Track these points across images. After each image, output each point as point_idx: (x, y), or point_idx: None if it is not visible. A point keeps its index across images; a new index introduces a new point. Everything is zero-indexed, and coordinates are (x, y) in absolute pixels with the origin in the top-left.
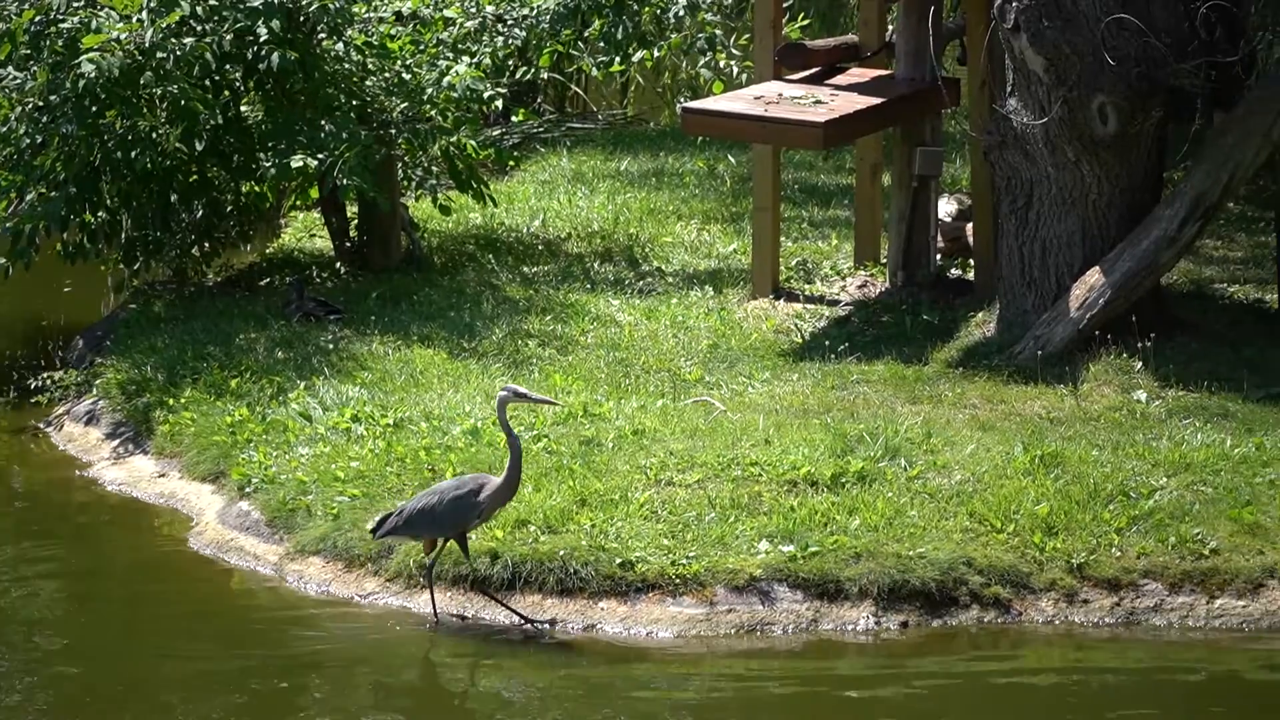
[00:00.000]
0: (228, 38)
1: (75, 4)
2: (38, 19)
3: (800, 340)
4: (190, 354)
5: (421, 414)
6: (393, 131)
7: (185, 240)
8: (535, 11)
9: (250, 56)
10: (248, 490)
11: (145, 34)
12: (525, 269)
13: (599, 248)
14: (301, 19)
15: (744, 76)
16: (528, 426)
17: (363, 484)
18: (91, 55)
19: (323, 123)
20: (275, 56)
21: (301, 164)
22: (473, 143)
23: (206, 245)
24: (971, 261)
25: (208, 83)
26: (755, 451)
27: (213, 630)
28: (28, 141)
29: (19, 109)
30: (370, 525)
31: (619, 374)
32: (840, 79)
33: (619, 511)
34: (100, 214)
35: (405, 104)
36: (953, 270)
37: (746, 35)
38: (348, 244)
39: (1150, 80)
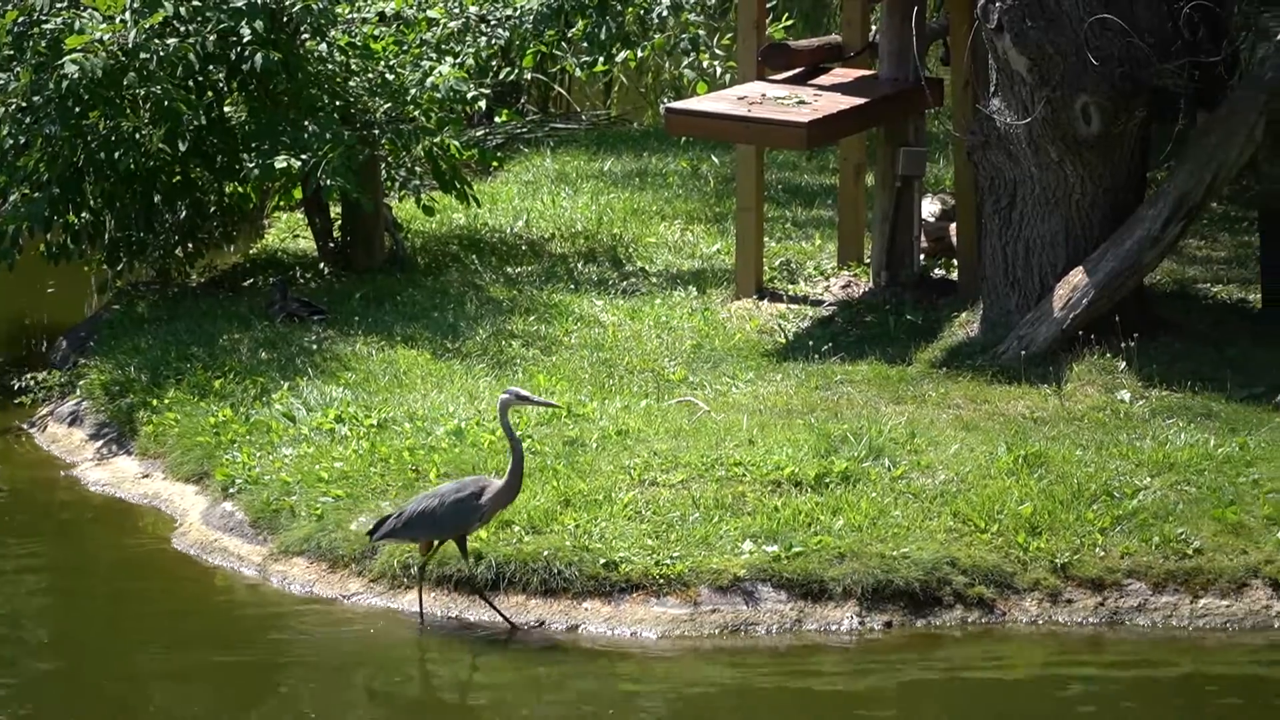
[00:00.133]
0: (211, 38)
1: (58, 5)
2: (21, 20)
3: (784, 340)
4: (174, 355)
5: (405, 414)
6: (376, 132)
7: (169, 241)
8: (518, 12)
9: (234, 57)
10: (231, 491)
11: (128, 35)
12: (509, 269)
13: (583, 248)
14: (285, 20)
15: (727, 77)
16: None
17: (346, 485)
18: (75, 56)
19: (306, 123)
20: (259, 57)
21: (285, 164)
22: (456, 143)
23: (190, 246)
24: (955, 261)
25: (191, 83)
26: (739, 452)
27: (196, 630)
28: (11, 142)
29: (2, 110)
30: (369, 527)
31: (603, 374)
32: (824, 79)
33: (603, 512)
34: (83, 214)
35: (389, 104)
36: (936, 270)
37: (730, 35)
38: (331, 244)
39: (1133, 80)
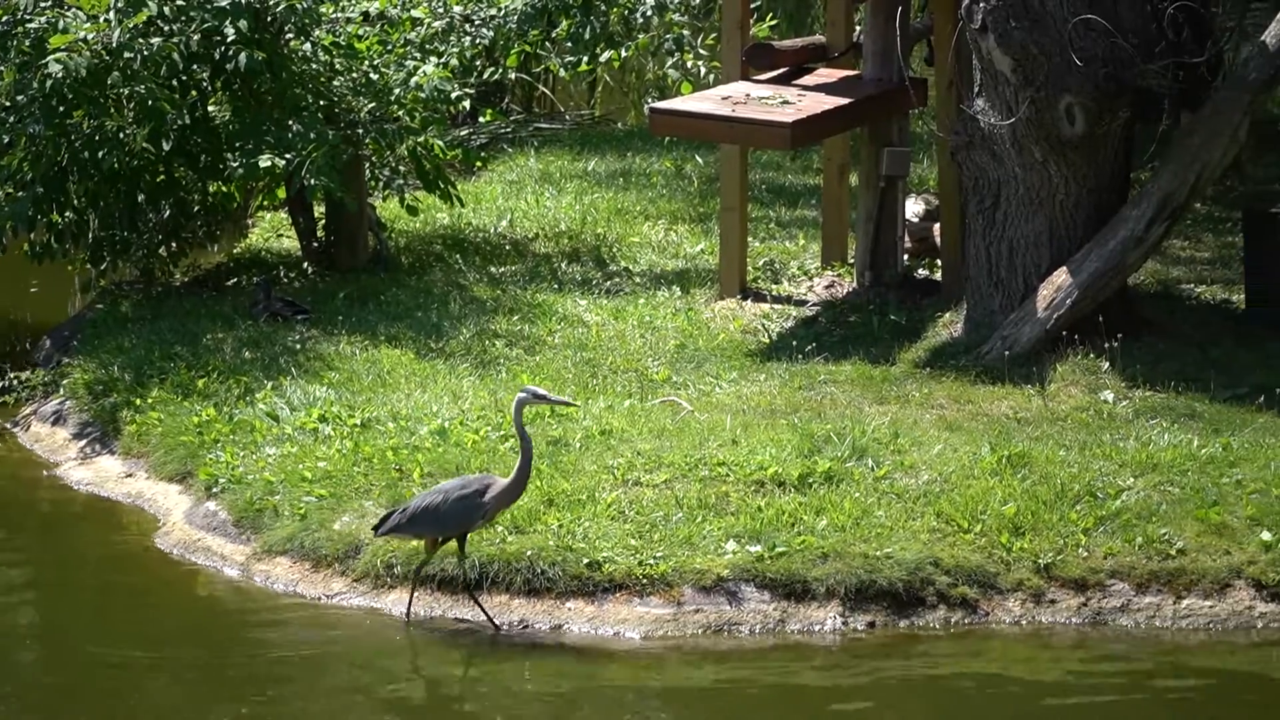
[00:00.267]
0: (195, 38)
1: (42, 4)
2: (4, 19)
3: (767, 340)
4: (157, 354)
5: (389, 414)
6: (360, 131)
7: (152, 240)
8: (503, 12)
9: (218, 56)
10: (215, 490)
11: (112, 34)
12: (492, 269)
13: (566, 248)
14: (269, 19)
15: (711, 77)
16: (494, 426)
17: (330, 484)
18: (59, 55)
19: (290, 123)
20: (243, 57)
21: (269, 164)
22: (440, 143)
23: (174, 245)
24: (939, 262)
25: (175, 83)
26: (722, 452)
27: (178, 629)
28: None
29: None
30: (359, 525)
31: (586, 374)
32: (807, 79)
33: (586, 511)
34: (67, 214)
35: (372, 104)
36: (920, 270)
37: (714, 35)
38: (315, 244)
39: (1117, 81)
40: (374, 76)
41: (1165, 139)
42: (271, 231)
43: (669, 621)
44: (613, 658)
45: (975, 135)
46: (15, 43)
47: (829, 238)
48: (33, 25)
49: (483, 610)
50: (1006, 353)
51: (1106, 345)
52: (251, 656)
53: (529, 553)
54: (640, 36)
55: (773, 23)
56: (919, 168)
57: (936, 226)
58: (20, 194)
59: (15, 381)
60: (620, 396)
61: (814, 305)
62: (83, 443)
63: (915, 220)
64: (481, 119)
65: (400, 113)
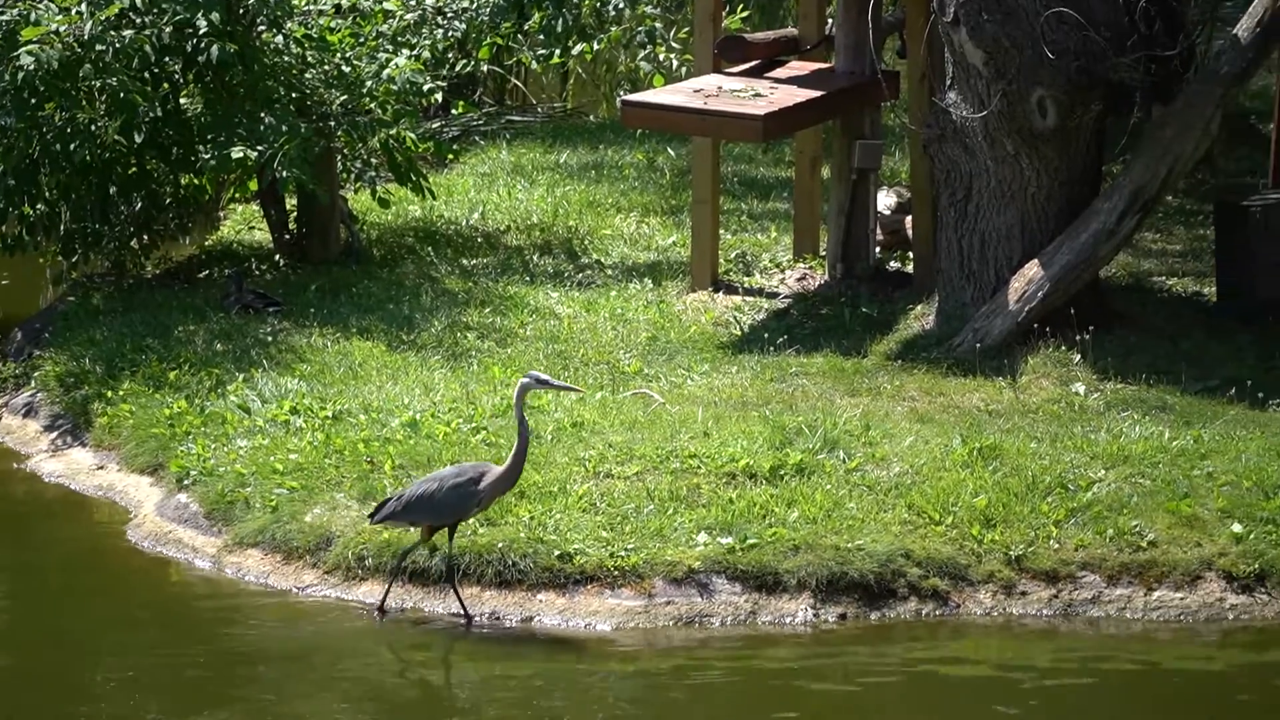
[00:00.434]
0: (167, 30)
1: None
2: None
3: (739, 333)
4: (129, 346)
5: (360, 406)
6: (332, 124)
7: (124, 232)
8: (475, 4)
9: (189, 49)
10: (186, 482)
11: (84, 26)
12: (464, 261)
13: (538, 240)
14: (241, 11)
15: (683, 69)
16: (466, 419)
17: (301, 476)
18: (30, 48)
19: (262, 115)
20: (214, 49)
21: (241, 156)
22: (412, 135)
23: (145, 238)
24: (911, 254)
25: (147, 75)
26: (694, 444)
27: (150, 621)
28: None
29: None
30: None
31: (558, 366)
32: (780, 72)
33: (557, 504)
34: (39, 206)
35: (344, 96)
36: (892, 263)
37: (686, 28)
38: (287, 236)
39: (1089, 74)
40: (346, 69)
41: (1137, 132)
42: (243, 224)
43: (640, 614)
44: (584, 649)
45: (947, 128)
46: None
47: (801, 230)
48: (4, 18)
49: (460, 600)
50: (978, 345)
51: (1078, 338)
52: (223, 648)
53: (500, 545)
54: (612, 29)
55: (745, 15)
56: (891, 160)
57: (908, 219)
58: None
59: None
60: (592, 389)
61: (786, 298)
62: (54, 435)
63: (887, 213)
64: (454, 111)
65: (372, 105)
